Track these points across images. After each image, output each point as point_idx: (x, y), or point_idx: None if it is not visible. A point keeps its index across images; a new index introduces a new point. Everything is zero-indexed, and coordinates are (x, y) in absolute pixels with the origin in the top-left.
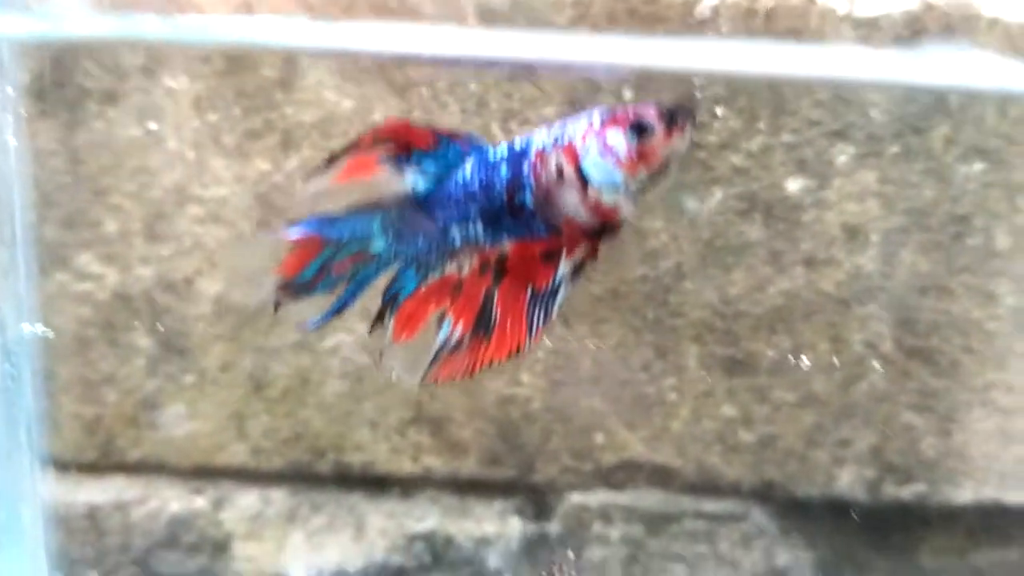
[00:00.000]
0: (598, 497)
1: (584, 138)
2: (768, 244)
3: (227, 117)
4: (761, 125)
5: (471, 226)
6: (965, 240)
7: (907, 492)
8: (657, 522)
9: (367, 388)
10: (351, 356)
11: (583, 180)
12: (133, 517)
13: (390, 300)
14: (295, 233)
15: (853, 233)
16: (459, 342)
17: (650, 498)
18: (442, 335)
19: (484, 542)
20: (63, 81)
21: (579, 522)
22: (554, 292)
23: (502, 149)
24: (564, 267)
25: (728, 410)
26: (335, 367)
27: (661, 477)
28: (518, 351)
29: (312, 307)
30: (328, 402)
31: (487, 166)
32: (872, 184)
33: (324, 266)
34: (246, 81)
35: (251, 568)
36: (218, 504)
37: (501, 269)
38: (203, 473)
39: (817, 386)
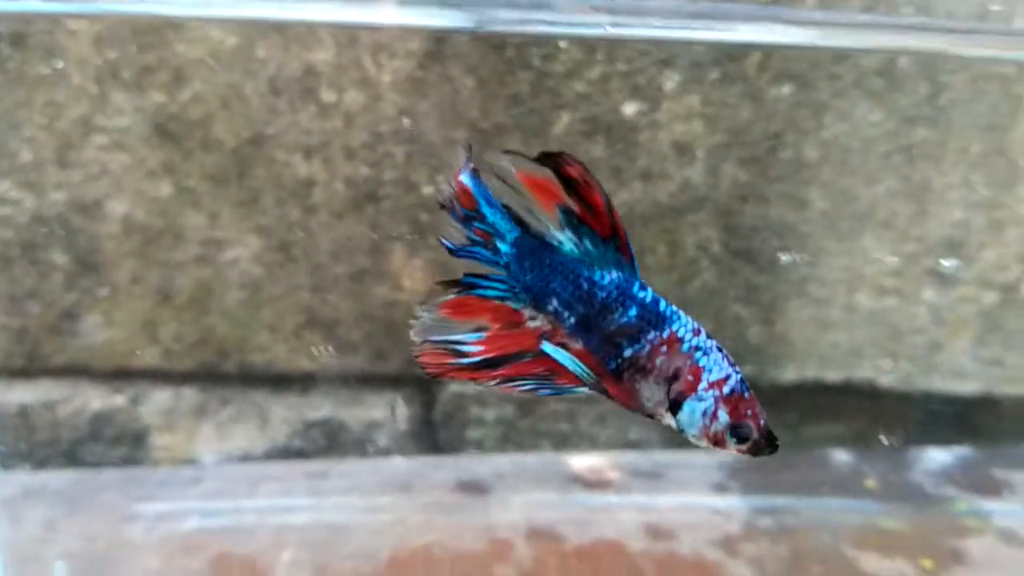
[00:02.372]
0: (473, 385)
1: (711, 387)
2: (610, 161)
3: (125, 54)
4: (599, 56)
5: (567, 311)
6: (778, 154)
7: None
8: (526, 405)
9: (264, 297)
10: (248, 268)
11: (676, 405)
12: (60, 415)
13: (465, 285)
14: (464, 180)
15: (682, 150)
16: (465, 354)
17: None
18: (464, 335)
19: (374, 426)
20: None
21: (458, 407)
22: (557, 391)
23: (647, 295)
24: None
25: None
26: (234, 278)
27: None
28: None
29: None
30: (230, 309)
31: (624, 293)
32: (697, 106)
33: (470, 216)
34: (140, 21)
35: (167, 456)
36: (135, 401)
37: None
38: (121, 374)
39: (658, 285)
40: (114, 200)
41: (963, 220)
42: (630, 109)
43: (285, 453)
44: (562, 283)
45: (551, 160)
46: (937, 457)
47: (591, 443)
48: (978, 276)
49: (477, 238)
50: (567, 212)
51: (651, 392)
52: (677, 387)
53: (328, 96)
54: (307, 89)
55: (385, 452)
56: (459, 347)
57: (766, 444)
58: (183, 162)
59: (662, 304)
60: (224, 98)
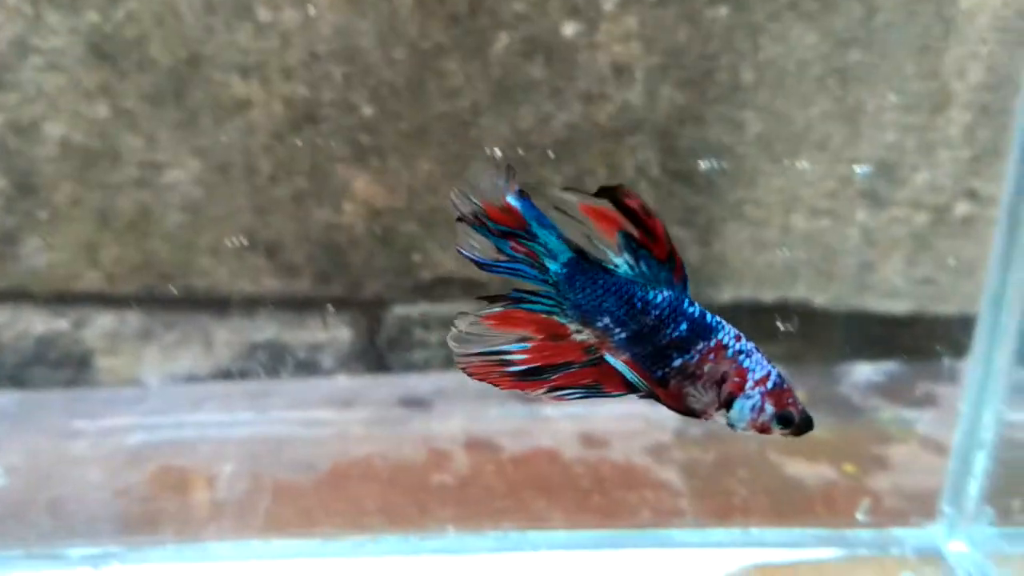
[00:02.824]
0: (418, 308)
1: (756, 384)
2: (550, 82)
3: None
4: None
5: (618, 328)
6: (715, 76)
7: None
8: None
9: (205, 219)
10: (188, 191)
11: (727, 404)
12: (3, 338)
13: (512, 299)
14: (512, 202)
15: (620, 71)
16: (507, 361)
17: (462, 308)
18: (507, 345)
19: (318, 348)
20: None
21: (402, 330)
22: (604, 396)
23: (696, 310)
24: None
25: None
26: (175, 201)
27: (471, 289)
28: (523, 391)
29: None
30: (171, 232)
31: (675, 310)
32: (635, 27)
33: (510, 234)
34: None
35: (111, 378)
36: (78, 325)
37: (598, 363)
38: (63, 298)
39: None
40: (51, 122)
41: (896, 142)
42: (569, 30)
43: (229, 375)
44: (616, 303)
45: (610, 193)
46: (866, 372)
47: None
48: (910, 198)
49: (520, 255)
50: (627, 237)
51: (700, 395)
52: (727, 388)
53: (264, 15)
54: (243, 7)
55: (329, 373)
56: (505, 356)
57: (805, 425)
58: (119, 83)
59: (708, 316)
60: (159, 16)
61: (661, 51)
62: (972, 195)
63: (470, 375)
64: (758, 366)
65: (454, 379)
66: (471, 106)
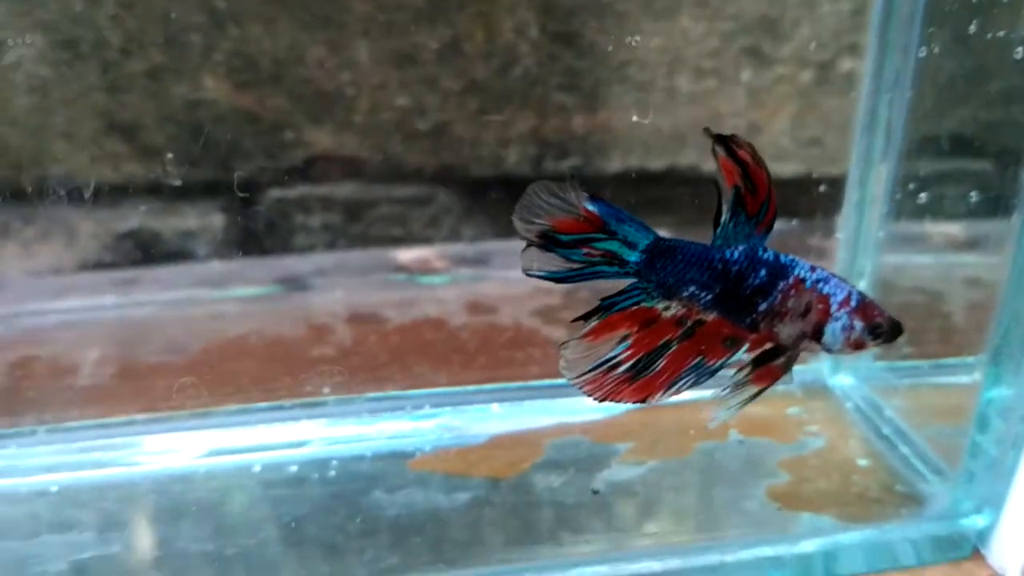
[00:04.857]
0: (296, 191)
1: (840, 306)
2: None
3: None
4: None
5: (703, 292)
6: None
7: (565, 165)
8: (354, 209)
9: (55, 100)
10: (35, 70)
11: (817, 332)
12: None
13: (606, 306)
14: (590, 207)
15: None
16: (618, 364)
17: (344, 189)
18: (613, 351)
19: (190, 235)
20: None
21: (281, 214)
22: (712, 372)
23: (770, 255)
24: (739, 356)
25: (402, 101)
26: (20, 82)
27: (351, 169)
28: (645, 401)
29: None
30: (18, 117)
31: (753, 260)
32: None
33: (586, 241)
34: None
35: None
36: None
37: (692, 330)
38: None
39: (478, 73)
40: None
41: None
42: None
43: (96, 267)
44: (698, 271)
45: (723, 141)
46: None
47: (426, 243)
48: (794, 54)
49: (596, 258)
50: (737, 192)
51: (790, 330)
52: (812, 318)
53: None
54: None
55: (204, 260)
56: (611, 362)
57: (895, 331)
58: None
59: (783, 257)
60: None
61: None
62: (854, 50)
63: (590, 396)
64: (837, 289)
65: (335, 257)
66: None
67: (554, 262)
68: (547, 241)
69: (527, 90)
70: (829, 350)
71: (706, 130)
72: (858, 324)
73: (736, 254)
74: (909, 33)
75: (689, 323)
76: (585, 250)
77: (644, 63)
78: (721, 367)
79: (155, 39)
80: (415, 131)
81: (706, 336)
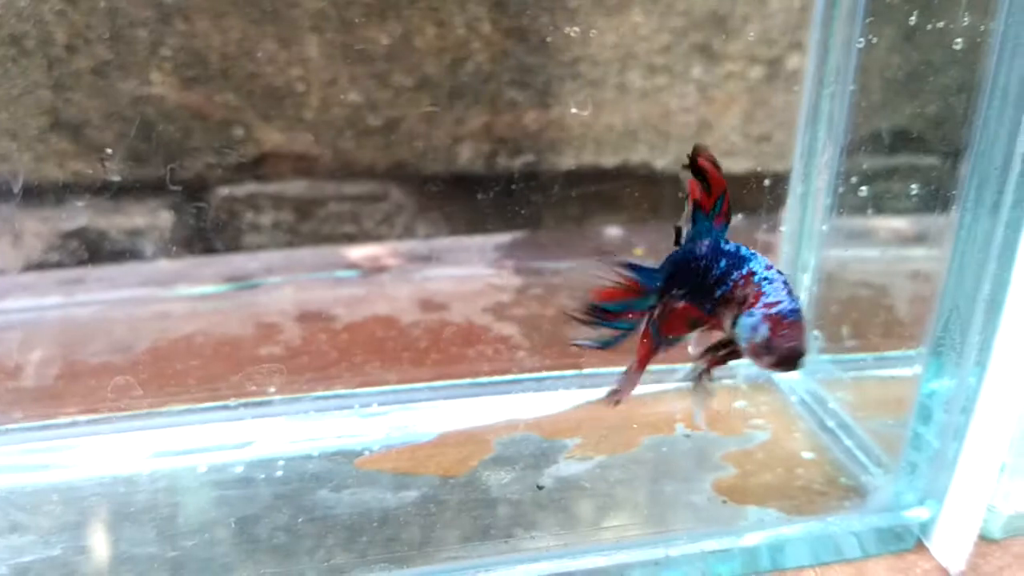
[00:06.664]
0: (246, 188)
1: (764, 307)
2: None
3: None
4: None
5: (682, 287)
6: None
7: (519, 162)
8: (305, 207)
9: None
10: None
11: (735, 319)
12: None
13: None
14: (627, 275)
15: None
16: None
17: (295, 186)
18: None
19: (137, 234)
20: None
21: (230, 213)
22: (670, 343)
23: (732, 247)
24: (694, 335)
25: (354, 97)
26: None
27: (302, 166)
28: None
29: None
30: None
31: (716, 251)
32: None
33: (628, 308)
34: None
35: None
36: None
37: (664, 313)
38: None
39: (430, 69)
40: None
41: None
42: None
43: (42, 267)
44: (683, 274)
45: (693, 153)
46: None
47: (378, 242)
48: (744, 51)
49: (626, 325)
50: (696, 204)
51: (730, 316)
52: (743, 307)
53: None
54: None
55: (151, 259)
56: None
57: (786, 361)
58: None
59: (743, 250)
60: None
61: None
62: (802, 46)
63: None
64: (775, 292)
65: (284, 256)
66: None
67: (601, 330)
68: (597, 315)
69: (479, 86)
70: (738, 342)
71: (685, 166)
72: (763, 330)
73: (703, 249)
74: (851, 27)
75: (666, 309)
76: (630, 315)
77: (596, 59)
78: (680, 340)
79: (101, 35)
80: (367, 127)
81: (674, 318)
